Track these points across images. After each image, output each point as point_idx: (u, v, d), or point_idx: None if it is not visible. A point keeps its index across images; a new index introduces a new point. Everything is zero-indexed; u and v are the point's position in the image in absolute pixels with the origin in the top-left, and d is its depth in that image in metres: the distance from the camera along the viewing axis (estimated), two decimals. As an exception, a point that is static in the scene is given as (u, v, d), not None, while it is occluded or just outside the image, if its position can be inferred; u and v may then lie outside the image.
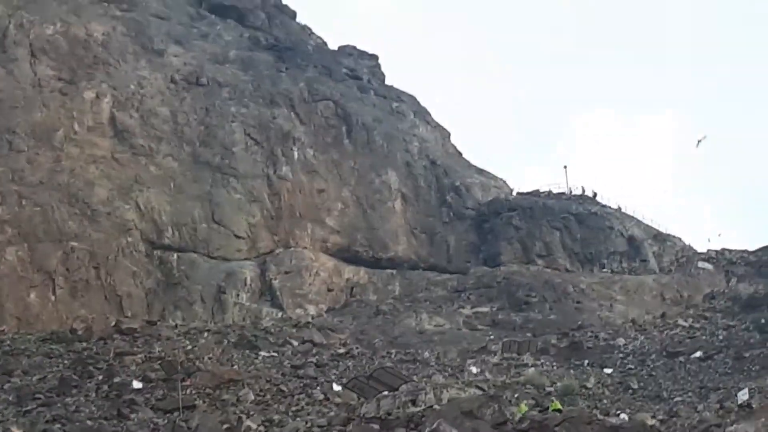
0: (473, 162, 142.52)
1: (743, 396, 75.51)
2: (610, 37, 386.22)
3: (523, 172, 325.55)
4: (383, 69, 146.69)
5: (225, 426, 74.97)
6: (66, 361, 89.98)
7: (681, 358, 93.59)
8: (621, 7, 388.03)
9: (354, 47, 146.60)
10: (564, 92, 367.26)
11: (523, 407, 75.42)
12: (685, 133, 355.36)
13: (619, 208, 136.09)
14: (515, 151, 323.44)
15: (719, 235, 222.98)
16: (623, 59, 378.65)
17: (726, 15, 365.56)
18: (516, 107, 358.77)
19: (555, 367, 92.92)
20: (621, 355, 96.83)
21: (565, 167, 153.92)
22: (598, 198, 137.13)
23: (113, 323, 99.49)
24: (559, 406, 78.69)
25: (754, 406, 70.90)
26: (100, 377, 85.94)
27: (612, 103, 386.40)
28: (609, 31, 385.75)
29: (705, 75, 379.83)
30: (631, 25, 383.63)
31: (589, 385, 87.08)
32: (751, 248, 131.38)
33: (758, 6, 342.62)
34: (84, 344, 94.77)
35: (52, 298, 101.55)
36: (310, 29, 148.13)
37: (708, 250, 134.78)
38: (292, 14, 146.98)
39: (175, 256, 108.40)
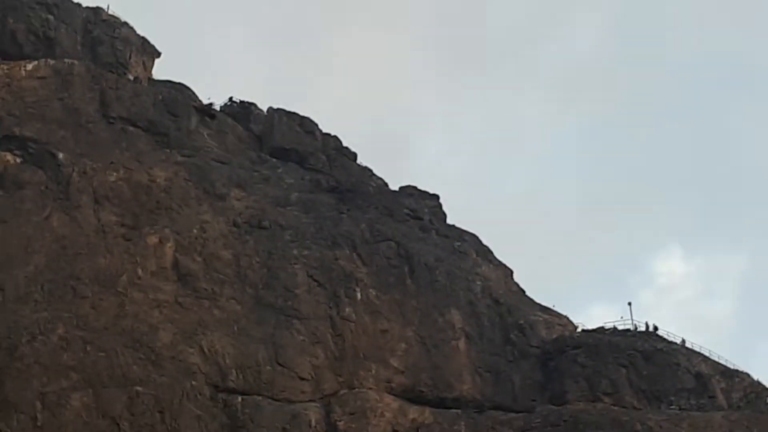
0: (537, 300, 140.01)
1: None
2: (680, 174, 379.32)
3: (590, 311, 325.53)
4: (444, 208, 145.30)
5: None
6: None
7: None
8: (696, 142, 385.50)
9: (414, 187, 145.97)
10: (632, 229, 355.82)
11: None
12: (754, 270, 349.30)
13: (683, 342, 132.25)
14: (581, 289, 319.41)
15: None
16: (694, 197, 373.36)
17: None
18: (580, 245, 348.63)
19: None
20: None
21: (630, 303, 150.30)
22: (659, 332, 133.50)
23: None
24: None
25: None
26: None
27: (683, 241, 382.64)
28: (679, 169, 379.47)
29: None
30: (704, 162, 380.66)
31: None
32: None
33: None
34: None
35: None
36: (371, 170, 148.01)
37: None
38: (353, 156, 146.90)
39: (240, 399, 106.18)
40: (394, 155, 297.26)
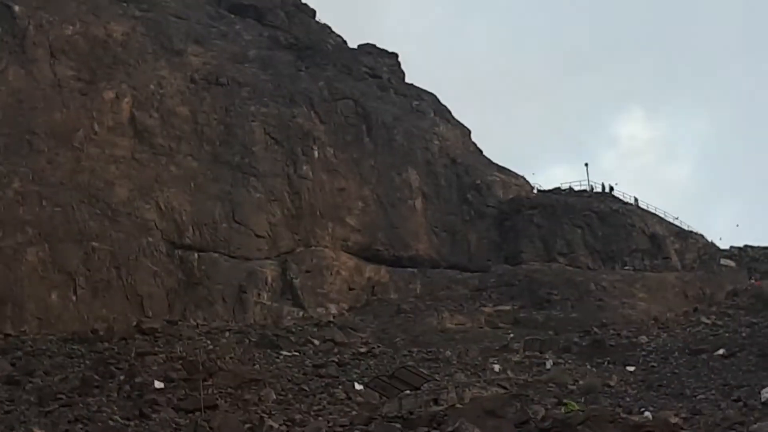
0: (496, 161, 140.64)
1: (767, 394, 76.21)
2: (645, 35, 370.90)
3: (551, 172, 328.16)
4: (403, 67, 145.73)
5: (247, 426, 75.62)
6: (87, 362, 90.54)
7: (704, 356, 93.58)
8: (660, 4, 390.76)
9: (373, 45, 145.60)
10: (595, 91, 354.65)
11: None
12: (716, 132, 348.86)
13: (636, 201, 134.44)
14: (543, 151, 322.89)
15: (737, 225, 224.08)
16: (657, 59, 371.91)
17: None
18: (542, 106, 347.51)
19: (577, 366, 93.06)
20: (643, 353, 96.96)
21: (586, 165, 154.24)
22: (615, 193, 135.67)
23: (134, 323, 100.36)
24: (575, 407, 75.76)
25: None
26: (122, 377, 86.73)
27: (645, 103, 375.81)
28: (645, 30, 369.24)
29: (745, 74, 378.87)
30: (667, 24, 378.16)
31: (611, 383, 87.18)
32: None
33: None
34: (105, 344, 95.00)
35: (73, 298, 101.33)
36: (329, 28, 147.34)
37: (731, 247, 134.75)
38: (312, 13, 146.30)
39: (196, 255, 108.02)
40: (357, 15, 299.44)
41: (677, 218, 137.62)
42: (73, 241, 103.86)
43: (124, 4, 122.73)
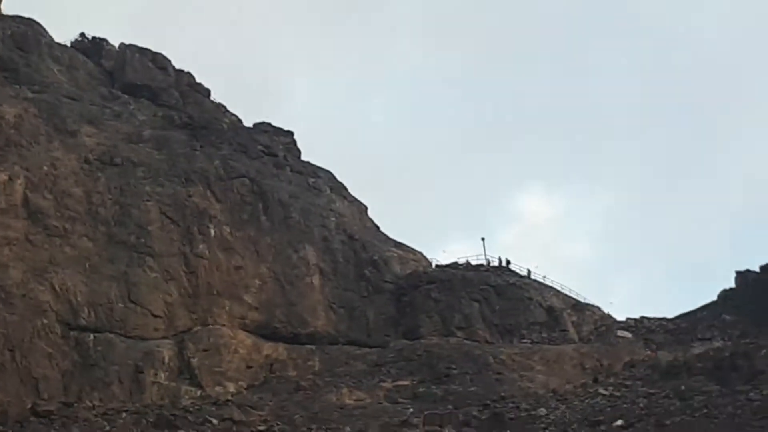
0: (394, 236, 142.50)
1: None
2: (545, 112, 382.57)
3: (449, 247, 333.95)
4: (299, 145, 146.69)
5: None
6: None
7: (602, 427, 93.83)
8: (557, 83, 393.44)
9: (269, 124, 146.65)
10: (494, 167, 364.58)
11: None
12: (616, 207, 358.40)
13: (529, 273, 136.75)
14: (441, 227, 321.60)
15: (611, 303, 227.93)
16: (556, 134, 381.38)
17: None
18: (444, 182, 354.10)
19: None
20: (542, 425, 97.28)
21: (483, 239, 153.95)
22: (512, 267, 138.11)
23: (29, 406, 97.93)
24: None
25: None
26: None
27: (545, 179, 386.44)
28: (545, 106, 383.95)
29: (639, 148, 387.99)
30: (567, 100, 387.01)
31: None
32: (669, 316, 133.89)
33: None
34: (0, 428, 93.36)
35: None
36: (224, 107, 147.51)
37: (627, 319, 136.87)
38: (206, 92, 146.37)
39: (92, 336, 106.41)
40: (255, 95, 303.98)
41: (572, 291, 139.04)
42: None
43: (17, 86, 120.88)
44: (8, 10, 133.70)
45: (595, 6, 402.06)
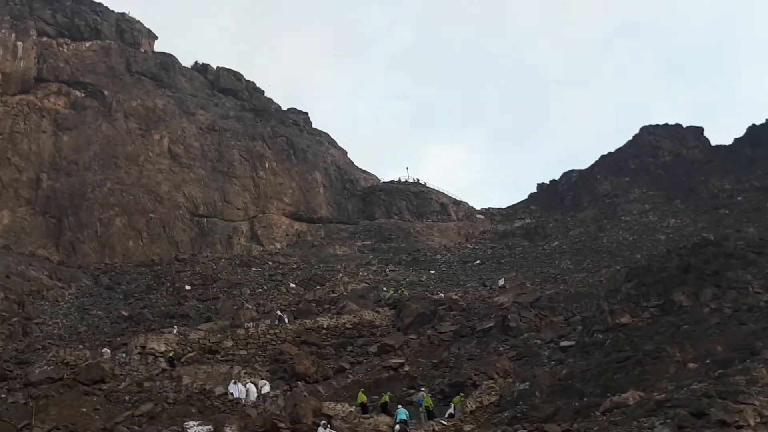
0: (361, 166, 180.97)
1: (501, 282, 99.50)
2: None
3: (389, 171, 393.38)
4: (311, 118, 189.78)
5: (235, 307, 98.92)
6: (150, 276, 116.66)
7: (469, 263, 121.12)
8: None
9: (296, 108, 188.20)
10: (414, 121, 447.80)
11: (391, 292, 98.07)
12: (493, 142, 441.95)
13: (425, 184, 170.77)
14: (385, 159, 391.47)
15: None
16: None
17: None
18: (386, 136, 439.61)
19: (405, 271, 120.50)
20: (439, 264, 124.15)
21: (407, 168, 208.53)
22: (421, 181, 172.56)
23: (174, 255, 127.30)
24: (406, 292, 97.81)
25: (506, 287, 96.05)
26: (168, 284, 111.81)
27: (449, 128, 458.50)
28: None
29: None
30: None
31: (423, 279, 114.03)
32: (503, 206, 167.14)
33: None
34: (158, 267, 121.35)
35: (140, 243, 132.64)
36: (272, 99, 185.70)
37: (482, 208, 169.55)
38: (262, 91, 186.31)
39: (205, 220, 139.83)
40: (290, 92, 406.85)
41: (454, 194, 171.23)
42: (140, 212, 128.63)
43: (163, 89, 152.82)
44: (158, 47, 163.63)
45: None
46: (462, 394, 60.51)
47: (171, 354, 74.45)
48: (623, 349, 57.75)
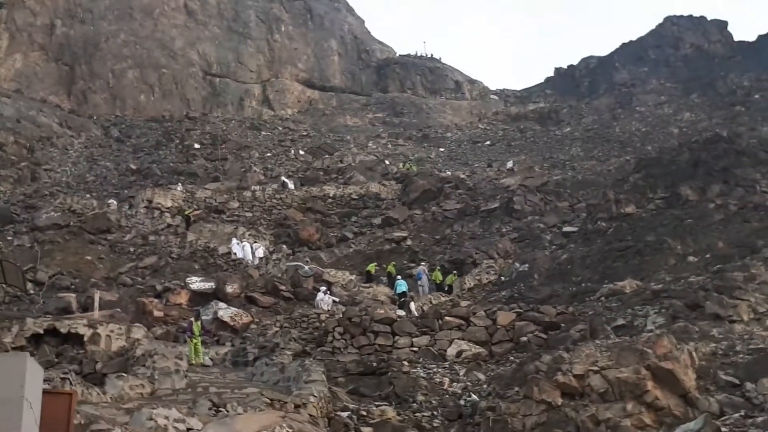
0: (377, 37, 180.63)
1: (509, 164, 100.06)
2: None
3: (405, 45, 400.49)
4: None
5: (243, 169, 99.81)
6: (160, 131, 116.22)
7: (479, 144, 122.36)
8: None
9: None
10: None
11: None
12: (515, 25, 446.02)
13: (440, 58, 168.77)
14: (402, 33, 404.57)
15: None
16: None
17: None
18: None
19: (414, 146, 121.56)
20: (449, 142, 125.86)
21: (424, 42, 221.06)
22: (435, 56, 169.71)
23: (185, 113, 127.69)
24: (415, 166, 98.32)
25: (515, 169, 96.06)
26: (177, 141, 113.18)
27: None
28: None
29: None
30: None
31: (432, 156, 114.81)
32: (518, 89, 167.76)
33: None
34: (169, 124, 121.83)
35: (152, 98, 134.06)
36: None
37: (497, 89, 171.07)
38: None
39: (218, 79, 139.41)
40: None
41: (468, 72, 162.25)
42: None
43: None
44: None
45: None
46: (455, 272, 63.89)
47: (188, 212, 77.88)
48: (625, 238, 58.78)
